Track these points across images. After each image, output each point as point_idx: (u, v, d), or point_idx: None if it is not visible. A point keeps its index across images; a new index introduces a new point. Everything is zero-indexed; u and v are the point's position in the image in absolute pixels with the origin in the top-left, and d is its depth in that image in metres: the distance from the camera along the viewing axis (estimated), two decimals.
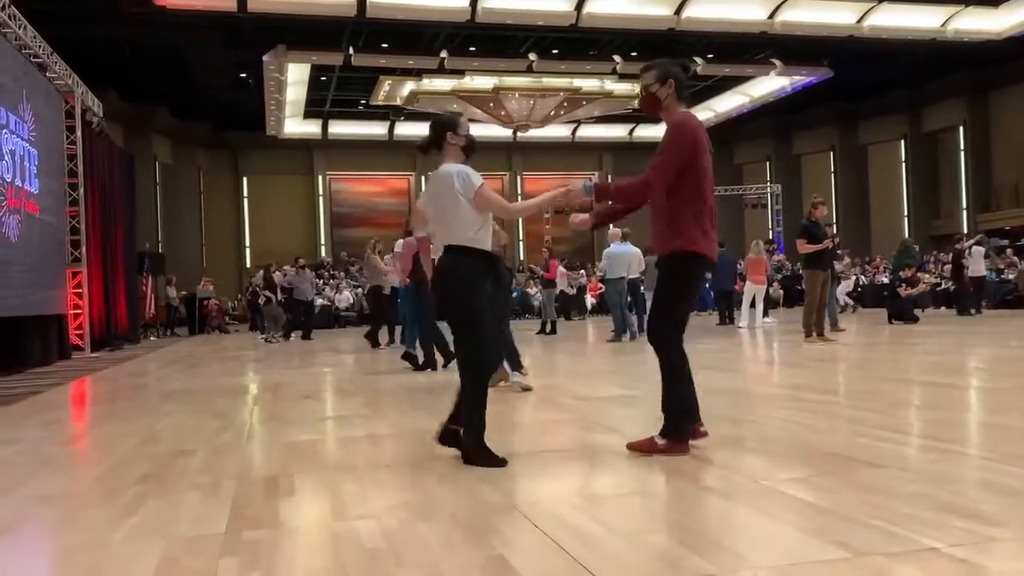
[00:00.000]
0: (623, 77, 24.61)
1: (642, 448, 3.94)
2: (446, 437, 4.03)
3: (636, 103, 27.16)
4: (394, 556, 2.60)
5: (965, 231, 27.13)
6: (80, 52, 15.94)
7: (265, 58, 21.49)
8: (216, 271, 27.80)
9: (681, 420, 3.92)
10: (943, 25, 21.42)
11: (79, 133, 14.34)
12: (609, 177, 33.03)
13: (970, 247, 16.98)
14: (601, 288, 23.17)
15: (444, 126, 4.09)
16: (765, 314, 16.28)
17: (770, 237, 29.00)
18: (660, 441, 3.90)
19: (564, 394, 6.51)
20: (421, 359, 8.91)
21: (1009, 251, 21.87)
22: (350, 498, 3.40)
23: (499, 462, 3.81)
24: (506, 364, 6.75)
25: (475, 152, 4.15)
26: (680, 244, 3.90)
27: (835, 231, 20.45)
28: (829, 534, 2.61)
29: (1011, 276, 20.42)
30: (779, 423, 4.77)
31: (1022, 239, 23.50)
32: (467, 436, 3.89)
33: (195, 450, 4.61)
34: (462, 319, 3.90)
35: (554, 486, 3.54)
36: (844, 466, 3.57)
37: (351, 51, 21.51)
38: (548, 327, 15.64)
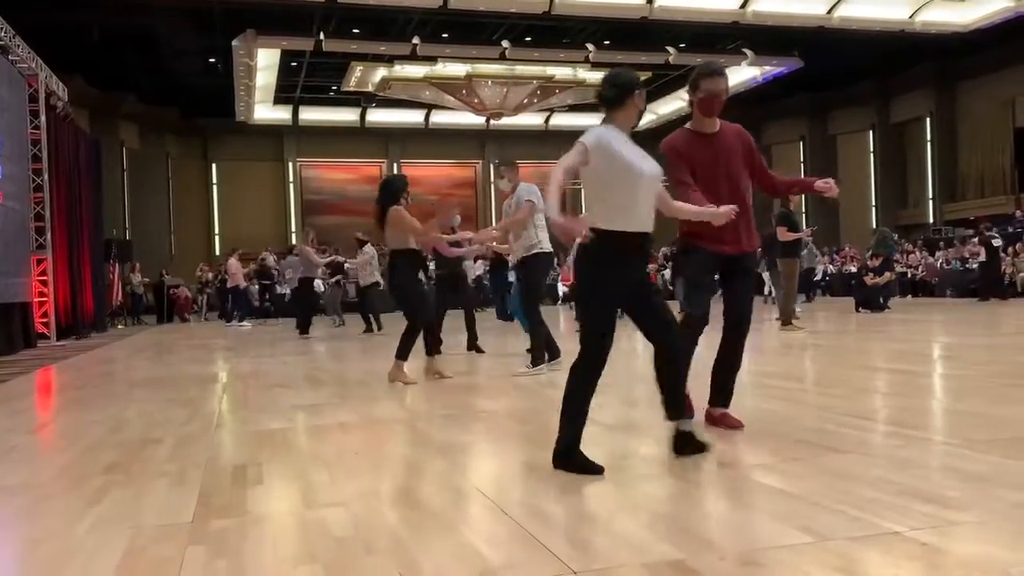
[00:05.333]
0: (596, 66, 24.59)
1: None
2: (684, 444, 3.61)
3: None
4: (363, 544, 2.59)
5: (931, 221, 27.55)
6: (46, 36, 15.63)
7: (234, 43, 21.20)
8: (185, 259, 27.48)
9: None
10: (911, 17, 21.64)
11: (43, 118, 14.07)
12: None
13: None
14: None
15: (632, 84, 3.58)
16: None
17: None
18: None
19: (535, 381, 6.52)
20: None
21: (974, 240, 22.20)
22: (319, 486, 3.38)
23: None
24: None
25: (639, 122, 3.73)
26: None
27: (805, 222, 20.67)
28: (795, 519, 2.64)
29: (975, 266, 20.73)
30: (747, 410, 4.80)
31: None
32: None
33: (163, 438, 4.57)
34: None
35: (524, 473, 3.55)
36: (810, 452, 3.62)
37: (322, 36, 21.28)
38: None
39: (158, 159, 28.84)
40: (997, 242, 18.30)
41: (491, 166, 32.83)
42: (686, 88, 4.32)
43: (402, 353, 6.64)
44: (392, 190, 6.79)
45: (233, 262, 18.45)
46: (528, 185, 7.13)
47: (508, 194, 7.23)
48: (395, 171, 32.07)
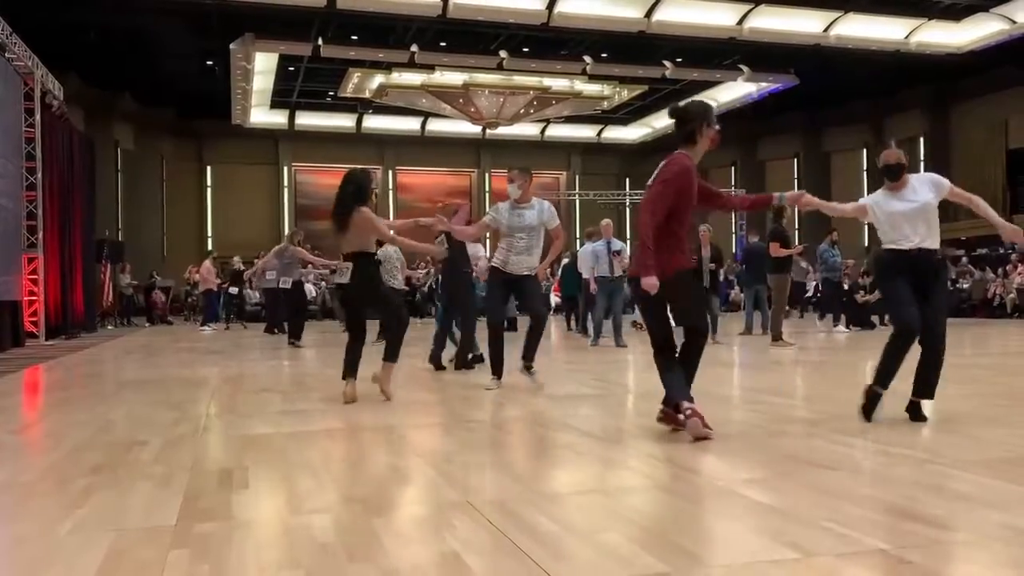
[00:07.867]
0: (593, 78, 24.67)
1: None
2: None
3: (605, 104, 27.37)
4: (347, 551, 2.58)
5: None
6: (43, 35, 15.60)
7: (232, 46, 21.19)
8: (177, 261, 27.38)
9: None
10: (907, 37, 21.80)
11: (38, 116, 14.04)
12: (577, 178, 33.13)
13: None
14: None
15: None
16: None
17: (733, 242, 29.35)
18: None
19: (527, 391, 6.50)
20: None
21: (964, 260, 22.35)
22: (304, 492, 3.36)
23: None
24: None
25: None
26: None
27: (797, 238, 20.72)
28: (782, 535, 2.64)
29: (965, 285, 20.85)
30: (737, 425, 4.82)
31: (978, 249, 24.00)
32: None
33: (149, 440, 4.54)
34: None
35: (510, 483, 3.54)
36: (798, 468, 3.62)
37: (320, 42, 21.30)
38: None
39: (152, 160, 28.76)
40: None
41: (486, 175, 32.87)
42: (698, 121, 4.36)
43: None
44: (360, 187, 6.04)
45: (207, 264, 18.52)
46: (543, 201, 7.28)
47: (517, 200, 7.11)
48: (391, 178, 32.14)
